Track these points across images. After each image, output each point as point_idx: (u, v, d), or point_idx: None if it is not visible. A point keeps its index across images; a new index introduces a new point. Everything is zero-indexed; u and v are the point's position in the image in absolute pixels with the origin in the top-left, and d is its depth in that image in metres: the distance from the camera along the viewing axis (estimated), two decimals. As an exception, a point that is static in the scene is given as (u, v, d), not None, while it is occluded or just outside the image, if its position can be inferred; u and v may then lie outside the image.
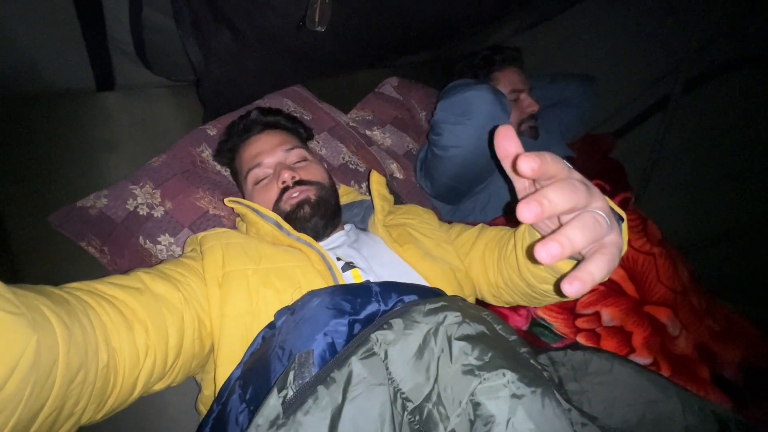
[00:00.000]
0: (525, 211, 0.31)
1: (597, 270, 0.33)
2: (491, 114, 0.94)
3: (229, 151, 0.90)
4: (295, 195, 0.77)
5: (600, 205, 0.36)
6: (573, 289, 0.31)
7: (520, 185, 0.44)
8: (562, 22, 1.47)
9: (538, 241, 0.31)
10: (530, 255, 0.58)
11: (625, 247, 0.48)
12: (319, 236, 0.79)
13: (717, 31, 1.24)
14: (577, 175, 0.38)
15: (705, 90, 1.33)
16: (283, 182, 0.78)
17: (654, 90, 1.41)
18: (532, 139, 1.20)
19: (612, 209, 0.47)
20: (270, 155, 0.82)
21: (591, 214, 0.34)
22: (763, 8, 1.17)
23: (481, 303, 0.85)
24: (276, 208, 0.78)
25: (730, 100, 1.30)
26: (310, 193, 0.78)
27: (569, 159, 1.19)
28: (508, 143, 0.38)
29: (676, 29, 1.28)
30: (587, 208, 0.35)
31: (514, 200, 0.37)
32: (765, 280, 1.30)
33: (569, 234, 0.32)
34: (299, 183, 0.78)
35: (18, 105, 0.87)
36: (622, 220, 0.49)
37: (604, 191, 0.93)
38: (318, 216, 0.77)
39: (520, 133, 1.19)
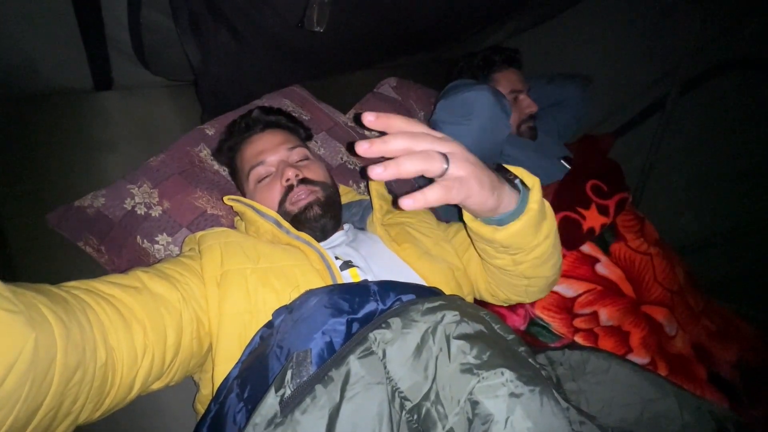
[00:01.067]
0: (359, 148, 0.41)
1: (431, 193, 0.42)
2: (491, 115, 0.94)
3: (229, 149, 0.90)
4: (302, 196, 0.77)
5: (445, 149, 0.44)
6: (405, 203, 0.41)
7: None
8: (560, 24, 1.47)
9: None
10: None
11: (552, 220, 0.59)
12: (324, 236, 0.79)
13: (714, 32, 1.24)
14: (431, 131, 0.46)
15: (702, 91, 1.33)
16: (287, 180, 0.77)
17: (651, 91, 1.41)
18: (531, 139, 1.20)
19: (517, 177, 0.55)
20: (273, 153, 0.82)
21: (427, 152, 0.43)
22: (759, 10, 1.17)
23: (479, 302, 0.85)
24: (281, 208, 0.78)
25: (727, 101, 1.30)
26: (319, 194, 0.78)
27: (567, 159, 1.20)
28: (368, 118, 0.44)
29: (673, 31, 1.29)
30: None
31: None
32: (761, 280, 1.31)
33: (399, 160, 0.41)
34: (303, 181, 0.78)
35: (16, 104, 0.87)
36: (527, 187, 0.56)
37: (601, 192, 0.94)
38: (328, 216, 0.78)
39: (519, 134, 1.19)
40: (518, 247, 0.59)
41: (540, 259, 0.62)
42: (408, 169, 0.41)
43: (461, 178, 0.44)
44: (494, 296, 0.78)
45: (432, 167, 0.42)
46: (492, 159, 1.04)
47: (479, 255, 0.69)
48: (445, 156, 0.43)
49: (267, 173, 0.81)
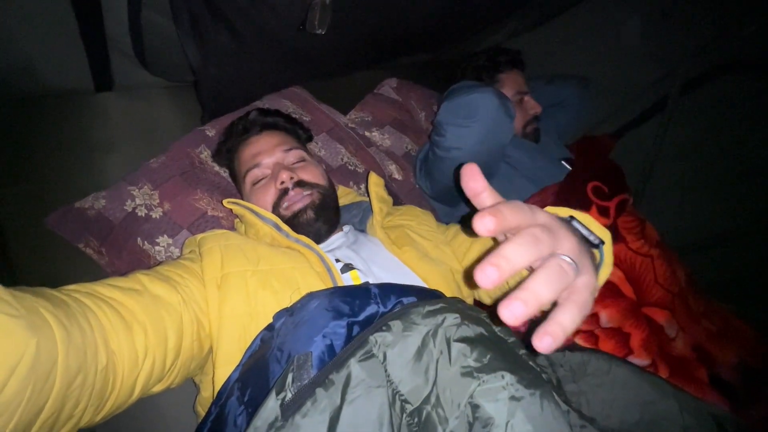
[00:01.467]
0: (482, 279, 0.28)
1: (568, 320, 0.30)
2: (496, 118, 0.94)
3: (228, 151, 0.90)
4: (297, 199, 0.77)
5: (568, 247, 0.34)
6: (544, 344, 0.29)
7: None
8: (560, 25, 1.47)
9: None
10: (471, 276, 0.51)
11: (609, 269, 0.48)
12: (320, 239, 0.79)
13: (714, 34, 1.24)
14: (542, 218, 0.34)
15: (702, 92, 1.33)
16: (282, 183, 0.78)
17: (652, 92, 1.41)
18: (535, 141, 1.20)
19: (591, 231, 0.46)
20: (269, 155, 0.82)
21: (556, 261, 0.32)
22: (759, 12, 1.17)
23: (479, 304, 0.85)
24: (275, 211, 0.78)
25: (728, 102, 1.30)
26: (314, 197, 0.78)
27: (568, 160, 1.20)
28: (474, 183, 0.35)
29: (674, 32, 1.29)
30: (553, 255, 0.33)
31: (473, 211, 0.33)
32: (761, 281, 1.31)
33: (533, 288, 0.29)
34: (299, 184, 0.78)
35: (16, 106, 0.87)
36: (603, 242, 0.47)
37: (602, 193, 0.94)
38: (321, 220, 0.77)
39: (525, 135, 1.19)
40: None
41: None
42: (548, 295, 0.30)
43: (588, 283, 0.34)
44: (494, 299, 0.78)
45: (567, 281, 0.32)
46: (494, 162, 1.03)
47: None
48: (572, 260, 0.33)
49: (263, 175, 0.81)
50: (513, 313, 0.28)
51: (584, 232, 0.45)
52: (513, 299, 0.28)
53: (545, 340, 0.29)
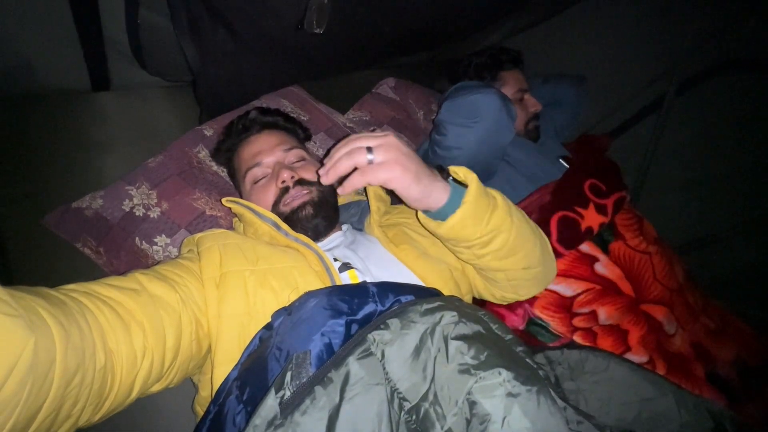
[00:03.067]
0: (324, 180, 0.57)
1: (354, 178, 0.55)
2: (498, 119, 0.94)
3: (227, 150, 0.90)
4: (296, 197, 0.77)
5: (370, 143, 0.56)
6: (340, 189, 0.57)
7: None
8: (557, 24, 1.47)
9: None
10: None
11: (470, 196, 0.58)
12: (318, 237, 0.79)
13: (711, 32, 1.25)
14: (363, 134, 0.58)
15: (699, 91, 1.34)
16: (283, 182, 0.78)
17: (649, 91, 1.42)
18: (534, 140, 1.21)
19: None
20: (269, 154, 0.82)
21: (354, 150, 0.55)
22: (755, 10, 1.18)
23: (477, 301, 0.85)
24: (275, 208, 0.78)
25: (724, 100, 1.31)
26: (313, 194, 0.78)
27: (565, 158, 1.20)
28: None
29: (670, 31, 1.29)
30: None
31: None
32: (759, 279, 1.32)
33: (335, 163, 0.56)
34: (299, 183, 0.78)
35: (13, 105, 0.87)
36: (464, 185, 0.60)
37: (599, 191, 0.94)
38: (320, 217, 0.77)
39: (526, 132, 1.20)
40: (464, 240, 0.61)
41: (501, 252, 0.63)
42: (341, 167, 0.55)
43: (383, 163, 0.54)
44: (491, 294, 0.78)
45: (358, 159, 0.55)
46: (494, 161, 1.04)
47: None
48: (370, 149, 0.55)
49: (263, 174, 0.81)
50: (323, 179, 0.56)
51: (440, 171, 0.61)
52: (323, 169, 0.57)
53: (324, 175, 0.57)
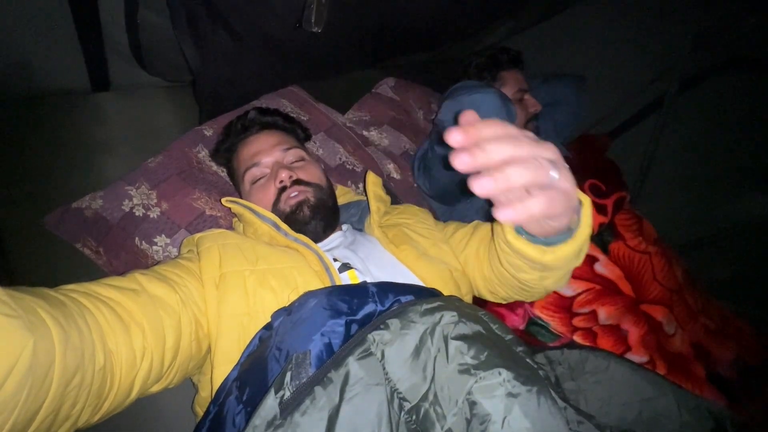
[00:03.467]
0: (458, 163, 0.34)
1: (534, 205, 0.36)
2: (497, 119, 0.94)
3: (226, 150, 0.90)
4: (293, 195, 0.77)
5: (549, 155, 0.38)
6: (504, 215, 0.36)
7: None
8: (558, 24, 1.47)
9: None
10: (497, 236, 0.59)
11: (587, 228, 0.51)
12: (317, 238, 0.79)
13: (711, 31, 1.25)
14: (528, 133, 0.39)
15: (700, 90, 1.33)
16: (281, 182, 0.78)
17: (649, 90, 1.42)
18: None
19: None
20: (268, 155, 0.82)
21: (534, 158, 0.36)
22: (756, 9, 1.17)
23: (478, 301, 0.85)
24: (275, 208, 0.78)
25: (725, 99, 1.31)
26: (309, 194, 0.78)
27: (565, 158, 1.20)
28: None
29: (671, 30, 1.29)
30: (535, 157, 0.37)
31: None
32: (759, 279, 1.31)
33: (507, 171, 0.34)
34: (297, 183, 0.78)
35: (13, 106, 0.87)
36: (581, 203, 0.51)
37: (599, 191, 0.94)
38: (317, 219, 0.77)
39: None
40: (559, 268, 0.55)
41: (567, 276, 0.61)
42: (518, 180, 0.35)
43: (565, 191, 0.39)
44: (494, 294, 0.78)
45: (541, 177, 0.37)
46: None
47: (500, 264, 0.64)
48: (552, 163, 0.38)
49: (262, 174, 0.81)
50: (480, 185, 0.34)
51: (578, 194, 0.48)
52: (486, 176, 0.34)
53: (507, 212, 0.36)
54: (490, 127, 0.36)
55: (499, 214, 0.36)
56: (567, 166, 0.40)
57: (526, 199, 0.36)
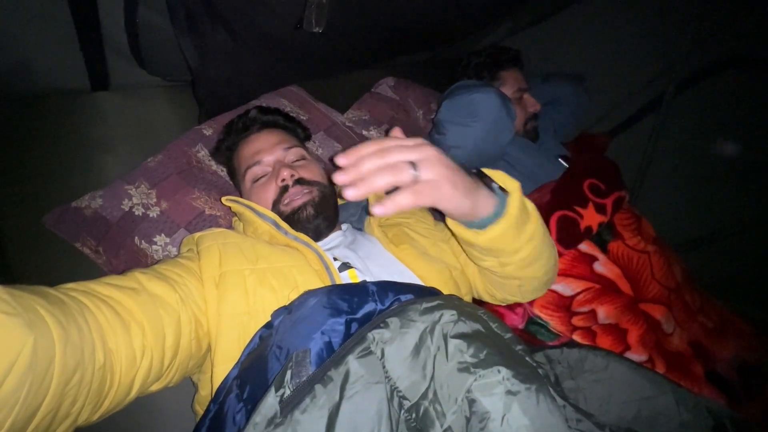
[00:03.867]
0: (338, 181, 0.45)
1: (402, 199, 0.45)
2: (497, 118, 0.94)
3: (227, 149, 0.90)
4: (297, 197, 0.77)
5: (414, 157, 0.46)
6: (376, 210, 0.44)
7: None
8: (557, 23, 1.47)
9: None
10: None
11: (514, 209, 0.55)
12: (318, 237, 0.79)
13: (710, 31, 1.25)
14: (401, 141, 0.48)
15: (698, 90, 1.34)
16: (283, 180, 0.78)
17: (648, 89, 1.42)
18: (533, 139, 1.21)
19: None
20: (269, 153, 0.82)
21: (396, 164, 0.45)
22: (754, 8, 1.18)
23: (477, 300, 0.85)
24: (275, 208, 0.78)
25: (724, 99, 1.31)
26: (314, 194, 0.78)
27: (565, 158, 1.20)
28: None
29: (670, 30, 1.29)
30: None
31: None
32: (759, 279, 1.32)
33: (369, 179, 0.44)
34: (299, 182, 0.78)
35: (12, 105, 0.87)
36: (506, 192, 0.56)
37: (598, 190, 0.94)
38: (321, 217, 0.78)
39: (525, 132, 1.20)
40: (500, 250, 0.59)
41: (526, 260, 0.62)
42: (378, 184, 0.44)
43: (431, 181, 0.47)
44: (492, 296, 0.78)
45: (400, 177, 0.45)
46: (494, 161, 1.04)
47: (468, 257, 0.69)
48: (413, 164, 0.46)
49: (263, 173, 0.81)
50: (348, 193, 0.44)
51: (483, 178, 0.57)
52: (353, 186, 0.44)
53: (377, 209, 0.44)
54: (366, 146, 0.47)
55: (372, 210, 0.45)
56: (440, 160, 0.48)
57: (394, 196, 0.45)
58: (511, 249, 0.59)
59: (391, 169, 0.45)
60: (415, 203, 0.46)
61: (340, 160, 0.45)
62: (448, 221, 0.58)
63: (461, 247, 0.67)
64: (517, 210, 0.55)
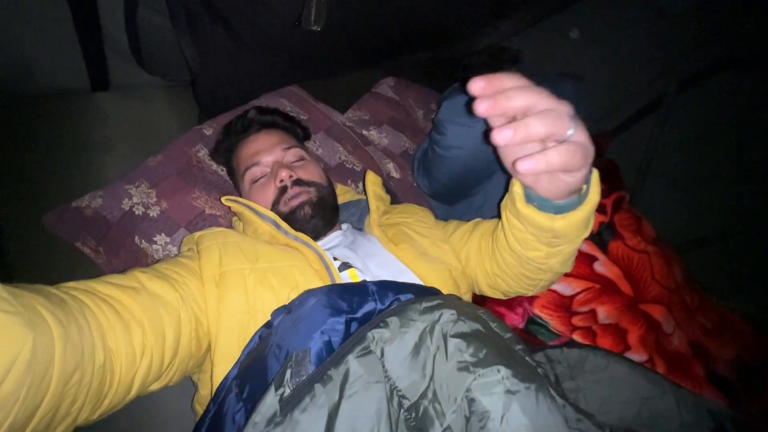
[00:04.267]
0: (497, 136, 0.36)
1: (553, 156, 0.37)
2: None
3: (226, 149, 0.90)
4: (295, 196, 0.77)
5: (567, 110, 0.39)
6: (524, 165, 0.37)
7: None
8: (557, 23, 1.48)
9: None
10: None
11: (596, 195, 0.51)
12: (317, 236, 0.79)
13: (710, 31, 1.25)
14: (545, 90, 0.40)
15: (699, 90, 1.34)
16: (281, 181, 0.78)
17: (649, 90, 1.42)
18: None
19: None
20: (268, 154, 0.82)
21: (553, 111, 0.37)
22: (754, 9, 1.18)
23: (477, 300, 0.85)
24: (274, 208, 0.78)
25: (724, 99, 1.31)
26: (311, 194, 0.78)
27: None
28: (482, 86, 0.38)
29: (670, 30, 1.29)
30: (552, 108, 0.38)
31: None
32: (759, 279, 1.32)
33: (527, 121, 0.36)
34: (298, 182, 0.78)
35: (12, 105, 0.87)
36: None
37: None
38: (318, 217, 0.78)
39: None
40: (569, 238, 0.56)
41: (574, 253, 0.61)
42: (538, 131, 0.36)
43: (583, 145, 0.40)
44: (494, 289, 0.78)
45: (561, 129, 0.38)
46: (493, 161, 1.04)
47: (507, 245, 0.65)
48: (570, 117, 0.39)
49: (262, 174, 0.82)
50: (501, 135, 0.35)
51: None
52: (507, 126, 0.35)
53: (527, 162, 0.37)
54: (511, 78, 0.38)
55: (520, 165, 0.37)
56: (582, 123, 0.40)
57: (545, 151, 0.37)
58: (578, 238, 0.56)
59: (551, 116, 0.37)
60: (566, 165, 0.39)
61: (476, 86, 0.37)
62: (517, 202, 0.53)
63: (509, 233, 0.62)
64: (597, 196, 0.51)
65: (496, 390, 0.35)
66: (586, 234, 0.57)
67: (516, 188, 0.54)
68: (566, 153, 0.38)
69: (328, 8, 0.76)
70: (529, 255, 0.62)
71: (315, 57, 1.06)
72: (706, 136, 1.36)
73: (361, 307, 0.51)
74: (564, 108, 0.39)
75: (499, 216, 0.66)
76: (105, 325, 0.45)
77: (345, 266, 0.70)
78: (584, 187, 0.50)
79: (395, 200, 1.04)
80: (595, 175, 0.51)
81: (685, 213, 1.42)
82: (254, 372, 0.49)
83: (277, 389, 0.40)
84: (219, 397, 0.51)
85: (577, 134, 0.39)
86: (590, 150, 0.42)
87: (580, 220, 0.52)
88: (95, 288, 0.49)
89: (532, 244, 0.60)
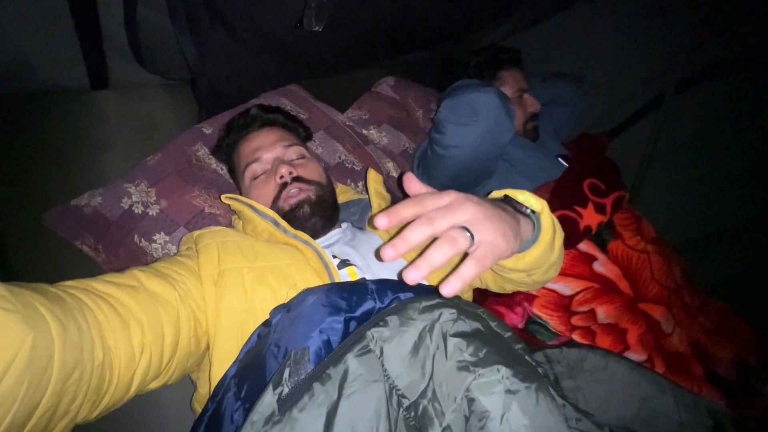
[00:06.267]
0: (384, 253, 0.38)
1: (466, 271, 0.38)
2: (497, 117, 0.94)
3: (227, 146, 0.90)
4: (294, 193, 0.77)
5: (465, 219, 0.41)
6: (445, 290, 0.37)
7: None
8: (557, 23, 1.47)
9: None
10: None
11: (549, 233, 0.52)
12: (316, 235, 0.79)
13: (710, 32, 1.25)
14: (445, 200, 0.42)
15: (698, 90, 1.34)
16: (281, 177, 0.78)
17: (648, 90, 1.42)
18: (533, 139, 1.21)
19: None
20: (269, 150, 0.82)
21: (449, 233, 0.39)
22: (754, 9, 1.18)
23: (477, 298, 0.85)
24: (274, 205, 0.78)
25: (723, 99, 1.31)
26: (310, 192, 0.78)
27: (564, 157, 1.20)
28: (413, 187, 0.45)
29: (670, 30, 1.29)
30: (451, 228, 0.40)
31: None
32: (759, 279, 1.32)
33: (427, 256, 0.38)
34: (297, 180, 0.78)
35: (11, 103, 0.87)
36: (536, 213, 0.52)
37: (598, 190, 0.94)
38: (317, 216, 0.78)
39: (525, 132, 1.20)
40: (540, 263, 0.57)
41: (553, 267, 0.62)
42: (440, 260, 0.38)
43: (488, 242, 0.41)
44: (501, 287, 0.77)
45: (459, 247, 0.39)
46: (493, 161, 1.04)
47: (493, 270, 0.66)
48: (465, 228, 0.40)
49: (262, 170, 0.82)
50: (411, 277, 0.37)
51: (515, 205, 0.52)
52: (411, 267, 0.37)
53: (446, 286, 0.38)
54: (405, 208, 0.41)
55: (442, 291, 0.38)
56: (482, 212, 0.42)
57: (458, 269, 0.39)
58: (547, 263, 0.58)
59: (446, 239, 0.39)
60: (481, 271, 0.40)
61: (380, 222, 0.39)
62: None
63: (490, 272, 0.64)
64: (551, 230, 0.53)
65: (496, 389, 0.35)
66: (557, 255, 0.58)
67: None
68: (477, 263, 0.39)
69: (329, 8, 0.76)
70: (511, 277, 0.63)
71: (315, 56, 1.06)
72: (706, 136, 1.36)
73: (360, 306, 0.51)
74: (459, 215, 0.40)
75: None
76: (104, 324, 0.45)
77: (344, 264, 0.70)
78: (532, 217, 0.52)
79: (395, 199, 1.04)
80: (545, 213, 0.52)
81: (684, 213, 1.42)
82: (252, 371, 0.49)
83: (275, 388, 0.40)
84: (217, 396, 0.51)
85: (479, 236, 0.40)
86: (503, 231, 0.42)
87: (541, 253, 0.53)
88: (94, 287, 0.49)
89: (508, 273, 0.60)
